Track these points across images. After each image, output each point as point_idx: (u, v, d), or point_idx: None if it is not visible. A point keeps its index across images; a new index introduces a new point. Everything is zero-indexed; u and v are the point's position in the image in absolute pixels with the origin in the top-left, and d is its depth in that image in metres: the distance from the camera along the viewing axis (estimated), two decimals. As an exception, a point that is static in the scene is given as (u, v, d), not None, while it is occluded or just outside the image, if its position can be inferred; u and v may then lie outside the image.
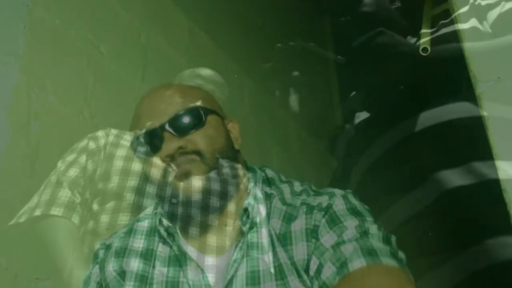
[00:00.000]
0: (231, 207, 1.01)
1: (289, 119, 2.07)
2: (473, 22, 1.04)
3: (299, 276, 0.91)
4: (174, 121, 0.98)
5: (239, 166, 1.04)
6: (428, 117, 1.23)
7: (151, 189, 1.45)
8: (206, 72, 1.73)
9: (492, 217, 1.06)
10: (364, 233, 0.90)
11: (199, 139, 0.98)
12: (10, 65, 1.40)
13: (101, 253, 1.04)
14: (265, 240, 0.96)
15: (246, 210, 0.98)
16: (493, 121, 0.92)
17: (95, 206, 1.47)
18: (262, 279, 0.92)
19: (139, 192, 1.46)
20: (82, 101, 1.62)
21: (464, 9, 1.01)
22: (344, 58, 1.45)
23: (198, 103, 1.03)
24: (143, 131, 0.99)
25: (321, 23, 2.02)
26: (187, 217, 0.99)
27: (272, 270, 0.93)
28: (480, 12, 1.02)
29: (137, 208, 1.41)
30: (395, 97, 1.30)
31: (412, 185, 1.20)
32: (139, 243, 1.02)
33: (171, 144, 0.97)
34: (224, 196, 1.00)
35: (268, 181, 1.07)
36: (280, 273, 0.92)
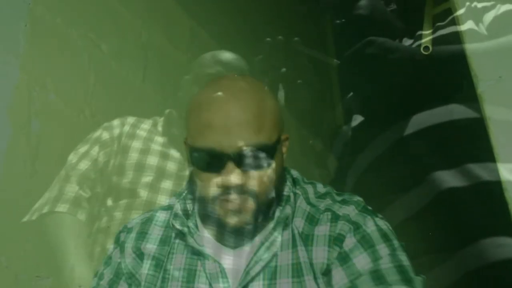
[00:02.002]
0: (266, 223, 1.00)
1: (290, 118, 2.06)
2: (470, 24, 1.04)
3: (316, 277, 0.92)
4: (246, 155, 0.92)
5: (282, 187, 1.02)
6: (428, 117, 1.23)
7: (166, 185, 1.42)
8: (227, 57, 1.59)
9: (492, 217, 1.06)
10: (399, 266, 0.91)
11: (261, 181, 0.94)
12: (11, 63, 1.40)
13: (123, 236, 1.04)
14: (285, 237, 0.97)
15: (277, 217, 0.99)
16: (494, 121, 0.92)
17: (108, 202, 1.43)
18: (279, 274, 0.93)
19: (154, 188, 1.42)
20: (83, 100, 1.62)
21: (464, 9, 1.01)
22: (339, 63, 1.44)
23: (273, 133, 0.95)
24: (206, 145, 0.92)
25: (322, 23, 2.02)
26: (219, 229, 0.99)
27: (290, 267, 0.94)
28: (477, 14, 1.02)
29: (150, 206, 1.39)
30: (393, 98, 1.30)
31: (410, 185, 1.20)
32: (159, 230, 1.03)
33: (231, 177, 0.92)
34: (263, 222, 0.98)
35: (293, 181, 1.06)
36: (297, 271, 0.93)
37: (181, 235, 1.00)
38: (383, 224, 0.97)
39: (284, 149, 1.03)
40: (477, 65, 0.96)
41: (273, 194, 0.98)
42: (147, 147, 1.46)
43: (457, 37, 1.08)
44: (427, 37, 1.27)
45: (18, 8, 1.46)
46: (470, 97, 1.00)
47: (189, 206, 1.04)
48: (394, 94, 1.29)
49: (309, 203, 1.01)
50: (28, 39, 1.46)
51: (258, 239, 0.98)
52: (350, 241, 0.93)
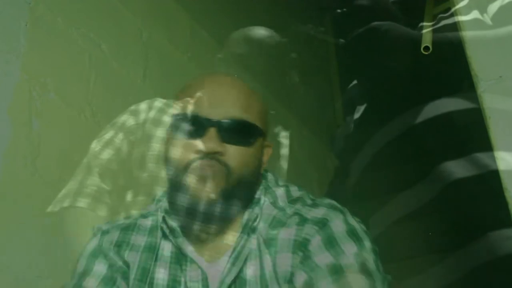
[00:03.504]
0: (234, 219, 0.99)
1: (290, 117, 2.06)
2: (474, 20, 1.04)
3: (280, 286, 0.89)
4: (227, 125, 0.95)
5: (255, 187, 1.02)
6: (428, 113, 1.23)
7: None
8: (259, 34, 1.52)
9: (493, 211, 1.05)
10: (362, 264, 0.87)
11: (237, 156, 0.95)
12: (12, 63, 1.40)
13: (100, 240, 1.01)
14: (253, 246, 0.94)
15: (246, 219, 0.97)
16: (495, 120, 0.92)
17: (128, 197, 1.36)
18: (248, 287, 0.91)
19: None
20: (84, 99, 1.62)
21: (464, 2, 1.01)
22: (344, 43, 1.42)
23: (256, 121, 0.99)
24: (192, 112, 0.95)
25: (323, 20, 2.02)
26: (191, 217, 0.97)
27: (258, 279, 0.91)
28: (481, 7, 1.01)
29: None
30: (394, 92, 1.30)
31: (415, 180, 1.20)
32: (142, 239, 1.00)
33: (210, 143, 0.93)
34: (229, 212, 0.97)
35: (266, 185, 1.04)
36: (264, 283, 0.91)
37: (172, 234, 0.98)
38: (355, 223, 0.94)
39: (265, 157, 1.04)
40: (477, 64, 0.96)
41: (244, 181, 0.96)
42: None
43: (458, 37, 1.08)
44: (427, 37, 1.27)
45: (19, 7, 1.46)
46: (471, 96, 1.00)
47: (170, 200, 1.01)
48: (396, 82, 1.28)
49: (276, 207, 0.99)
50: (29, 38, 1.46)
51: (230, 243, 0.96)
52: (315, 242, 0.90)
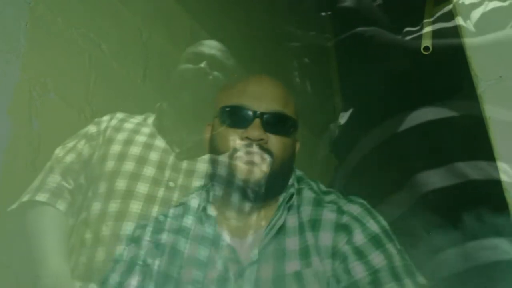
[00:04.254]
0: (272, 201, 1.10)
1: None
2: (474, 21, 1.04)
3: (322, 259, 1.01)
4: (272, 116, 1.08)
5: (290, 174, 1.14)
6: (415, 116, 1.24)
7: (148, 172, 1.41)
8: (211, 51, 1.62)
9: (480, 217, 1.06)
10: (407, 265, 1.01)
11: (279, 143, 1.08)
12: (12, 63, 1.40)
13: (137, 232, 1.12)
14: (293, 224, 1.06)
15: (282, 200, 1.09)
16: (494, 121, 0.92)
17: (90, 193, 1.42)
18: (288, 257, 1.03)
19: (134, 176, 1.41)
20: (83, 99, 1.62)
21: (465, 8, 1.01)
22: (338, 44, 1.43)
23: (293, 114, 1.13)
24: (238, 104, 1.08)
25: (323, 20, 2.02)
26: (235, 199, 1.09)
27: (297, 251, 1.03)
28: (477, 12, 1.02)
29: (129, 195, 1.37)
30: (393, 95, 1.30)
31: (397, 187, 1.22)
32: (174, 223, 1.11)
33: (256, 131, 1.06)
34: (269, 194, 1.09)
35: (297, 178, 1.16)
36: (305, 253, 1.02)
37: (208, 221, 1.08)
38: (386, 226, 1.07)
39: (297, 148, 1.16)
40: (477, 65, 0.96)
41: (283, 167, 1.09)
42: (131, 138, 1.46)
43: (458, 37, 1.09)
44: (427, 37, 1.27)
45: (19, 7, 1.46)
46: (471, 96, 1.00)
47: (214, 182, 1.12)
48: (382, 87, 1.29)
49: (314, 192, 1.12)
50: (29, 38, 1.46)
51: (264, 223, 1.07)
52: (359, 238, 1.03)
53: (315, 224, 1.06)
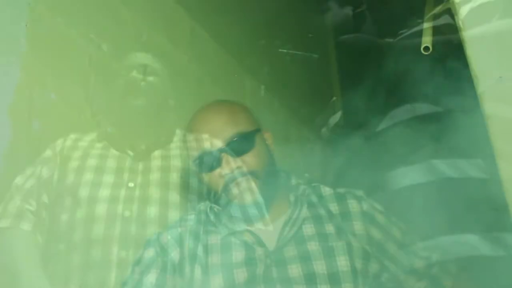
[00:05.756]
0: (280, 201, 1.21)
1: (291, 117, 2.07)
2: (474, 20, 1.04)
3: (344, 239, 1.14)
4: (233, 143, 1.16)
5: (277, 169, 1.24)
6: (394, 115, 1.25)
7: (108, 178, 1.45)
8: (142, 61, 1.64)
9: (454, 213, 1.08)
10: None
11: (253, 158, 1.17)
12: (12, 63, 1.40)
13: (156, 238, 1.21)
14: (304, 215, 1.18)
15: (295, 196, 1.21)
16: (494, 121, 0.92)
17: (56, 208, 1.45)
18: (308, 239, 1.14)
19: (95, 184, 1.44)
20: (83, 99, 1.62)
21: (465, 7, 1.01)
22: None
23: (248, 126, 1.20)
24: (202, 151, 1.18)
25: (322, 20, 2.03)
26: (245, 218, 1.19)
27: (316, 236, 1.15)
28: (477, 13, 1.02)
29: (93, 200, 1.41)
30: (393, 95, 1.31)
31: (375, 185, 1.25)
32: (189, 227, 1.21)
33: (230, 164, 1.16)
34: (273, 197, 1.20)
35: (300, 177, 1.27)
36: (325, 237, 1.14)
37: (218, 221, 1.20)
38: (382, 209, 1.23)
39: (268, 141, 1.25)
40: (477, 65, 0.96)
41: (268, 170, 1.18)
42: (86, 153, 1.51)
43: (457, 37, 1.09)
44: (427, 37, 1.27)
45: (19, 8, 1.46)
46: (471, 96, 1.00)
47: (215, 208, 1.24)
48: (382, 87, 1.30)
49: (330, 188, 1.23)
50: (29, 39, 1.46)
51: (282, 216, 1.18)
52: (380, 219, 1.20)
53: (344, 214, 1.19)
